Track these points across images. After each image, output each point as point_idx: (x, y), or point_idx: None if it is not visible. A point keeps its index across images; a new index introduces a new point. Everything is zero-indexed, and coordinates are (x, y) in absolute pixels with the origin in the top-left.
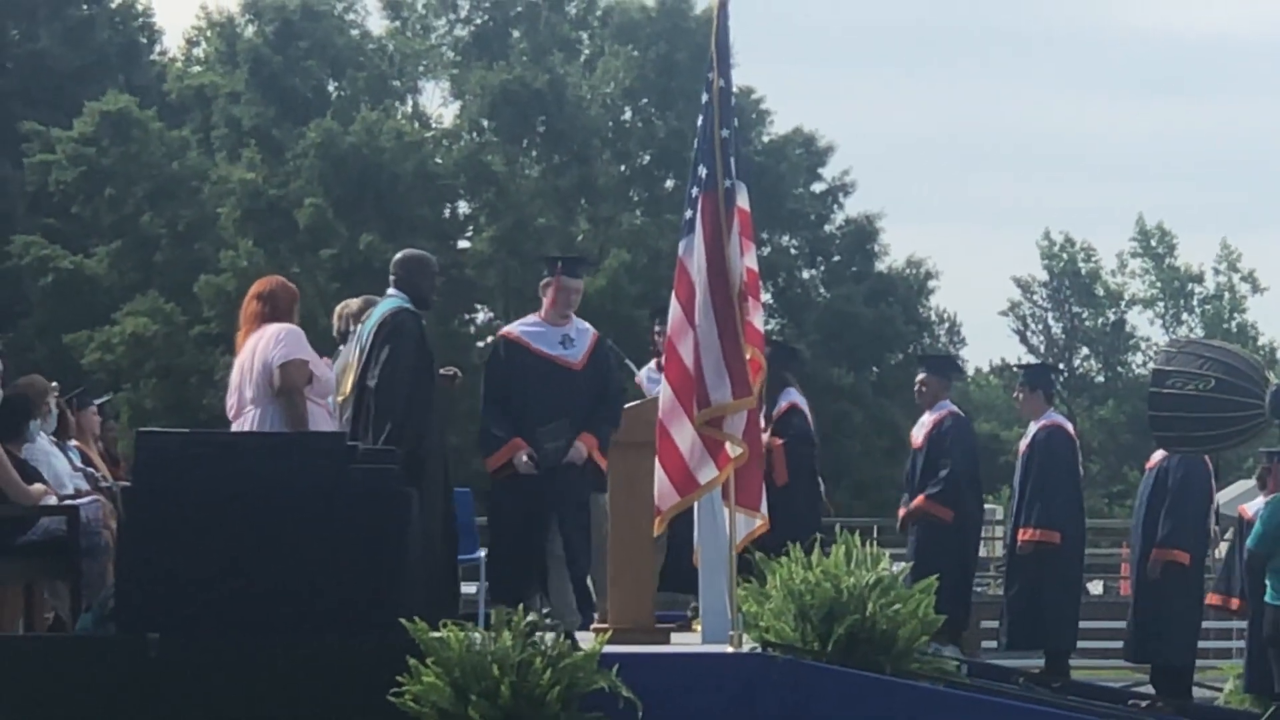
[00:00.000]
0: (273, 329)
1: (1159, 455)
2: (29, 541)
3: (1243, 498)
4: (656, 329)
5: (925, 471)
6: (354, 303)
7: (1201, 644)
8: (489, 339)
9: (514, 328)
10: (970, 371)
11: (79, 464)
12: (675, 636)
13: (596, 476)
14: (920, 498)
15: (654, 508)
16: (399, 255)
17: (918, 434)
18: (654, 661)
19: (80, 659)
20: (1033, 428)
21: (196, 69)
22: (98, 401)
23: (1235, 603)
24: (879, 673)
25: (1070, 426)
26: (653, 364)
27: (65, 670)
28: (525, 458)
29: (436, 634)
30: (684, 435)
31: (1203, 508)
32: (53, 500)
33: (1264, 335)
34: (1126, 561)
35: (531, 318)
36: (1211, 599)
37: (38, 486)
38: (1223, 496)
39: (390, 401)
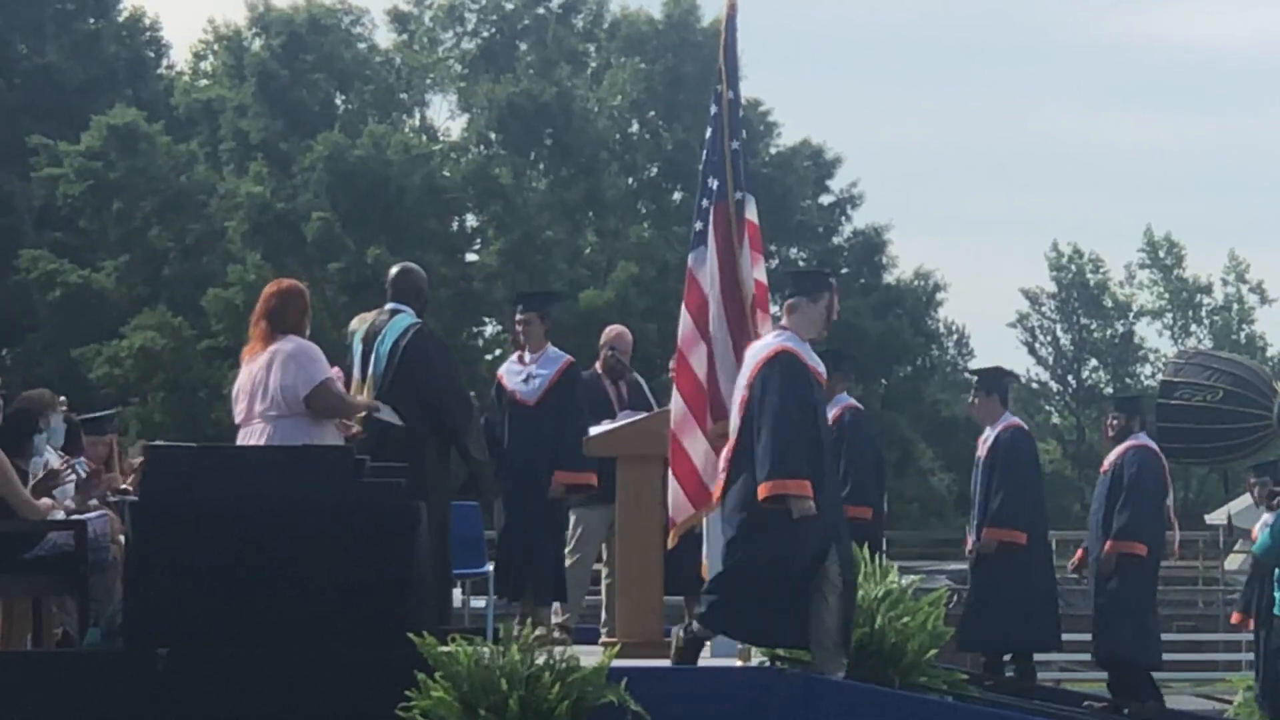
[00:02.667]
0: (288, 347)
1: (1113, 456)
2: (37, 556)
3: (1251, 510)
4: (519, 316)
5: None
6: (369, 316)
7: (1211, 656)
8: (497, 351)
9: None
10: None
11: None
12: None
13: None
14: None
15: (661, 520)
16: (397, 270)
17: None
18: (663, 675)
19: (88, 674)
20: (990, 432)
21: (204, 83)
22: (98, 414)
23: (1236, 617)
24: (888, 686)
25: (1026, 427)
26: (514, 356)
27: (74, 685)
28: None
29: (445, 648)
30: (697, 447)
31: (1157, 501)
32: (60, 515)
33: (1272, 346)
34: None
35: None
36: (1236, 618)
37: (45, 501)
38: (1234, 507)
39: (469, 410)
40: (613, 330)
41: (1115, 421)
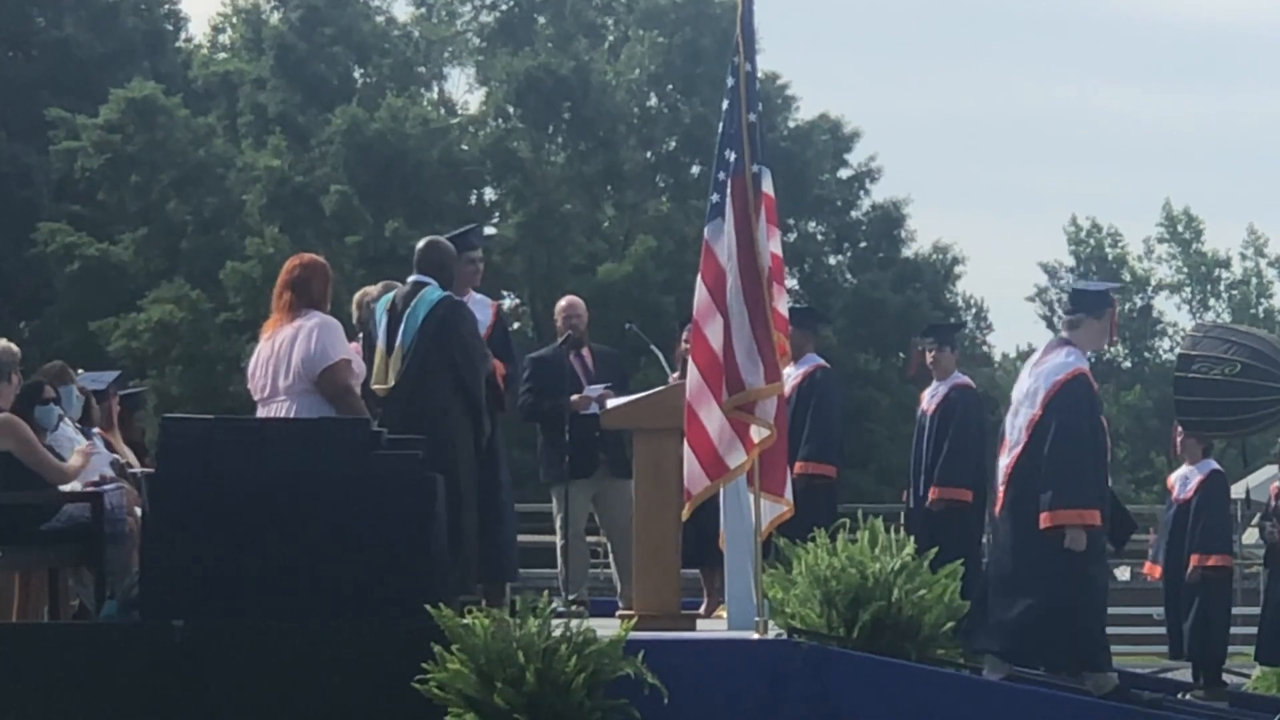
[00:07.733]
0: (312, 322)
1: (928, 394)
2: (53, 528)
3: (1269, 483)
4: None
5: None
6: (373, 290)
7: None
8: (515, 325)
9: None
10: (997, 358)
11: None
12: (701, 623)
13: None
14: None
15: (678, 493)
16: (424, 243)
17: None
18: (679, 647)
19: (105, 646)
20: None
21: (222, 56)
22: (123, 391)
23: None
24: (904, 659)
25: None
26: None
27: (90, 657)
28: None
29: (462, 620)
30: (712, 418)
31: (981, 446)
32: (77, 487)
33: None
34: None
35: None
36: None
37: (74, 461)
38: (1252, 481)
39: (480, 382)
40: (563, 302)
41: (931, 353)
